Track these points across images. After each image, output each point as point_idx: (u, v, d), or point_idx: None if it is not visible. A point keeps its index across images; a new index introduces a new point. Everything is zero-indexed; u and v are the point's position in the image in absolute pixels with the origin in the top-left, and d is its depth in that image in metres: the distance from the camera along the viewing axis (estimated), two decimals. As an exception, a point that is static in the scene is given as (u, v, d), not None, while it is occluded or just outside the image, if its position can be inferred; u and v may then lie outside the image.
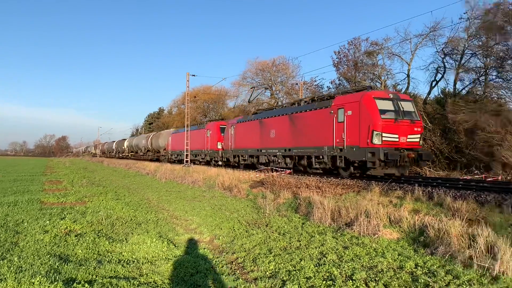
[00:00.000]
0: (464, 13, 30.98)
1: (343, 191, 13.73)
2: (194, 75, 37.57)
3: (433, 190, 11.82)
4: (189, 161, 35.87)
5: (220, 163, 31.52)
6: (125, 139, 73.33)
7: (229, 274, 6.64)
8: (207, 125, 35.02)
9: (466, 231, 7.22)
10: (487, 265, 5.90)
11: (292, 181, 16.32)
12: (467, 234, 7.10)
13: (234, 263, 7.29)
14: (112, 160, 61.41)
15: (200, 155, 35.51)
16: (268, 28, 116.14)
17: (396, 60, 35.57)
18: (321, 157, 18.77)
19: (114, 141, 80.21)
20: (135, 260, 7.12)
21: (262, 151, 24.20)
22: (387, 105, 16.39)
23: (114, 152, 77.12)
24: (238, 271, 6.78)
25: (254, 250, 7.95)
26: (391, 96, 16.93)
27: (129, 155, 64.33)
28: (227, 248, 8.39)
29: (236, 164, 28.87)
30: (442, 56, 31.75)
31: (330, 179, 16.47)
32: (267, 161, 24.02)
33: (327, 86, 45.54)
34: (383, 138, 15.70)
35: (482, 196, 10.62)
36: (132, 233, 9.08)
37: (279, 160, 22.49)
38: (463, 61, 30.35)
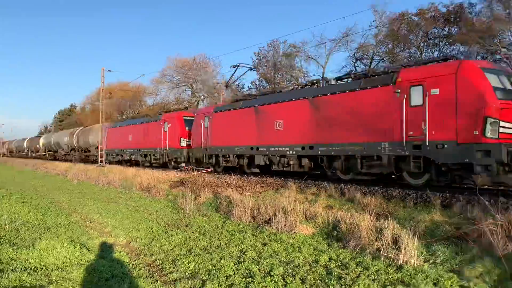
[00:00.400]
0: (373, 21, 33.38)
1: (263, 189, 14.03)
2: (109, 71, 35.58)
3: (345, 187, 12.52)
4: (103, 160, 33.70)
5: (183, 165, 24.37)
6: (40, 136, 65.17)
7: (147, 277, 6.46)
8: (163, 116, 26.91)
9: (374, 224, 7.75)
10: (392, 256, 6.38)
11: (213, 180, 16.30)
12: (375, 227, 7.62)
13: (152, 265, 7.11)
14: (18, 160, 56.42)
15: (154, 155, 27.17)
16: (188, 24, 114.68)
17: (312, 63, 37.16)
18: (375, 157, 12.95)
19: (25, 139, 71.52)
20: (44, 267, 6.63)
21: (260, 149, 17.52)
22: (498, 80, 11.05)
23: (25, 151, 68.67)
24: (156, 274, 6.62)
25: (173, 251, 7.82)
26: (498, 68, 11.88)
27: (47, 155, 55.22)
28: (145, 250, 8.16)
29: (211, 167, 21.55)
30: (354, 60, 33.83)
31: (250, 178, 16.71)
32: (266, 162, 17.57)
33: (248, 86, 46.25)
34: (500, 130, 10.35)
35: (389, 191, 11.47)
36: (40, 238, 8.42)
37: (292, 162, 16.09)
38: (372, 66, 32.57)
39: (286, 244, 7.82)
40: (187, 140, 24.02)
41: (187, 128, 24.22)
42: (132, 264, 7.18)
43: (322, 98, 14.88)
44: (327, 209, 10.02)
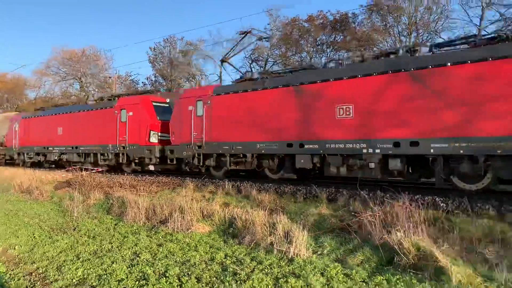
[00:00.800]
0: (268, 24, 34.64)
1: (159, 189, 13.71)
2: (-17, 59, 31.27)
3: (241, 184, 12.78)
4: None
5: (152, 168, 18.33)
6: None
7: (27, 287, 5.90)
8: (120, 101, 19.50)
9: (268, 220, 8.04)
10: (284, 249, 6.69)
11: (104, 181, 15.46)
12: (269, 222, 7.91)
13: (34, 274, 6.51)
14: None
15: (103, 155, 19.85)
16: (77, 13, 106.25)
17: (209, 61, 37.31)
18: None
19: None
20: None
21: (307, 146, 12.19)
22: None
23: None
24: (38, 283, 6.08)
25: (59, 258, 7.25)
26: None
27: None
28: (25, 258, 7.44)
29: (203, 172, 16.01)
30: (250, 61, 34.71)
31: (145, 177, 16.18)
32: (317, 165, 12.33)
33: (143, 82, 44.83)
34: None
35: (281, 188, 11.99)
36: None
37: (372, 165, 11.17)
38: (267, 68, 33.80)
39: (182, 243, 7.74)
40: (159, 133, 17.66)
41: (159, 117, 17.91)
42: (10, 274, 6.50)
43: (441, 70, 10.09)
44: (224, 206, 10.14)
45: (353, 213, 8.18)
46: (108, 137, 19.21)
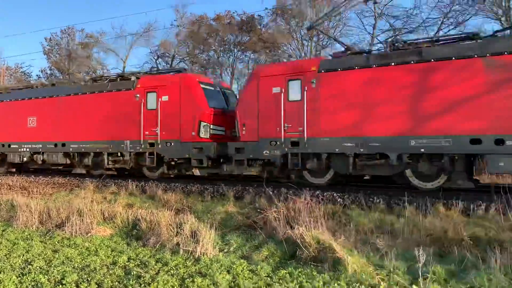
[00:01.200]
0: (175, 20, 34.10)
1: (54, 190, 12.88)
2: None
3: (146, 184, 12.43)
4: None
5: (198, 172, 14.92)
6: None
7: None
8: (143, 80, 14.65)
9: (174, 220, 7.91)
10: (191, 249, 6.63)
11: (-11, 182, 13.97)
12: (175, 222, 7.79)
13: None
14: None
15: (113, 155, 14.98)
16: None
17: (112, 55, 35.66)
18: None
19: None
20: None
21: None
22: None
23: None
24: None
25: None
26: None
27: None
28: None
29: (291, 179, 12.41)
30: (156, 57, 33.85)
31: (38, 178, 14.93)
32: None
33: (37, 75, 41.37)
34: None
35: (188, 187, 11.90)
36: None
37: None
38: (174, 65, 33.25)
39: (81, 248, 7.28)
40: (211, 126, 13.25)
41: (211, 105, 13.43)
42: None
43: None
44: (128, 208, 9.77)
45: (259, 210, 8.40)
46: (125, 130, 14.37)
